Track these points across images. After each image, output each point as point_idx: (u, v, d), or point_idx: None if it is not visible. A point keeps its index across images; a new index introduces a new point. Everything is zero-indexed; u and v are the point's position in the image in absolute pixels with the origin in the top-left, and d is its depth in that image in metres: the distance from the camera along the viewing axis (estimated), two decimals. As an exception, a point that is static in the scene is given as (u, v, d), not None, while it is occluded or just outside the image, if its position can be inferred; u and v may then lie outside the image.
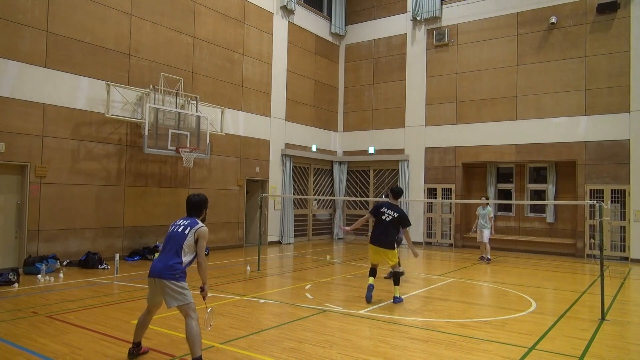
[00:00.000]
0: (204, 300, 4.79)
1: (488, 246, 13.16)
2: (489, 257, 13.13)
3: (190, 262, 4.70)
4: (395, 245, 7.95)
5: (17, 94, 9.87)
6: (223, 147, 14.47)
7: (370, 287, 7.68)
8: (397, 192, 8.05)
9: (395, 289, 7.78)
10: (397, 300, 7.69)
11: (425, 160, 17.45)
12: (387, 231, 7.76)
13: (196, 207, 4.93)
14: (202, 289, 4.74)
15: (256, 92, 15.78)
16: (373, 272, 7.92)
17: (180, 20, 13.25)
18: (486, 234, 13.04)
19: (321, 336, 5.74)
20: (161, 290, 4.57)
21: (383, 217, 7.79)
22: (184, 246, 4.60)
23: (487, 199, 14.93)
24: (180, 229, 4.68)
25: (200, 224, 4.75)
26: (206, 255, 13.87)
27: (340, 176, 19.40)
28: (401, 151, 18.03)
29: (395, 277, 7.86)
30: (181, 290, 4.53)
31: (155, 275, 4.57)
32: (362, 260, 13.35)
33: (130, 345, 4.88)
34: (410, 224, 8.03)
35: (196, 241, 4.64)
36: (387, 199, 8.11)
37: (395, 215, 7.77)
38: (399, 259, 8.60)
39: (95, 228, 11.23)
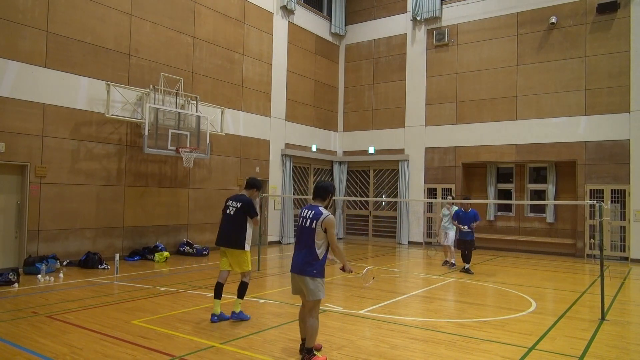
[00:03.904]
0: (350, 273, 5.06)
1: (452, 249, 12.08)
2: (453, 261, 11.98)
3: (327, 252, 4.92)
4: (247, 246, 6.44)
5: (17, 94, 9.87)
6: (223, 147, 14.47)
7: (215, 318, 6.27)
8: (249, 183, 6.73)
9: (236, 303, 6.36)
10: (236, 316, 6.28)
11: (425, 160, 17.45)
12: (232, 225, 6.42)
13: (320, 191, 5.04)
14: (343, 269, 4.99)
15: (256, 92, 15.78)
16: (219, 291, 6.40)
17: (180, 20, 13.25)
18: (452, 236, 11.86)
19: (321, 336, 5.73)
20: (302, 284, 4.84)
21: (227, 212, 6.51)
22: (315, 240, 4.80)
23: (454, 197, 13.94)
24: (307, 223, 4.86)
25: (325, 213, 4.86)
26: (206, 255, 13.78)
27: (340, 176, 19.40)
28: (401, 151, 18.03)
29: (242, 288, 6.45)
30: (316, 286, 4.78)
31: (296, 271, 4.87)
32: (362, 260, 13.36)
33: (300, 343, 5.05)
34: (256, 214, 6.49)
35: (325, 231, 4.81)
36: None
37: (239, 205, 6.45)
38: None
39: (95, 228, 11.23)
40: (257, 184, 6.71)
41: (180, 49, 13.24)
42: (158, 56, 12.62)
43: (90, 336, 5.55)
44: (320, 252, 4.81)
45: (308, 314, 4.83)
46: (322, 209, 4.93)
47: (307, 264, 4.79)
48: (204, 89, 13.81)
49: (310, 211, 4.91)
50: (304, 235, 4.86)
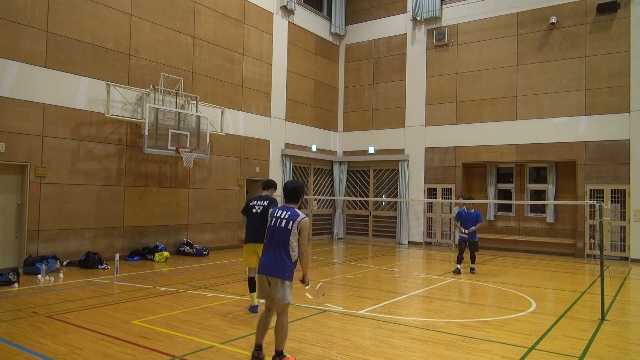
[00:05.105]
0: (307, 286, 4.93)
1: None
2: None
3: (298, 256, 4.77)
4: None
5: (17, 94, 9.87)
6: (223, 147, 14.47)
7: (256, 309, 6.86)
8: (265, 184, 7.32)
9: (253, 297, 6.89)
10: (253, 309, 6.86)
11: (425, 160, 17.45)
12: (260, 223, 6.79)
13: (293, 193, 4.94)
14: (303, 281, 4.82)
15: (256, 92, 15.78)
16: (254, 284, 6.84)
17: (180, 20, 13.25)
18: None
19: (321, 336, 5.73)
20: (273, 287, 4.66)
21: (254, 211, 6.98)
22: (291, 242, 4.65)
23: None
24: (283, 224, 4.70)
25: (301, 215, 4.75)
26: (206, 255, 13.78)
27: (340, 176, 19.40)
28: (401, 151, 18.03)
29: (252, 283, 6.94)
30: (285, 289, 4.63)
31: (267, 272, 4.67)
32: (361, 260, 13.36)
33: (254, 349, 4.78)
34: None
35: (299, 232, 4.69)
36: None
37: (266, 203, 6.95)
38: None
39: (95, 228, 11.23)
40: (274, 184, 7.38)
41: (180, 49, 13.24)
42: (158, 56, 12.62)
43: (90, 336, 5.55)
44: (294, 254, 4.65)
45: (278, 317, 4.66)
46: (297, 210, 4.82)
47: (281, 266, 4.61)
48: (204, 89, 13.81)
49: (285, 212, 4.76)
50: (279, 236, 4.68)
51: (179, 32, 13.22)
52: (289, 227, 4.66)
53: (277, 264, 4.63)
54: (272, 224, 4.76)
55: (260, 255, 6.55)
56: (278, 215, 4.77)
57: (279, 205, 6.57)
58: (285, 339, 4.73)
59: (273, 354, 4.71)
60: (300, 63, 17.75)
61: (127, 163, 11.91)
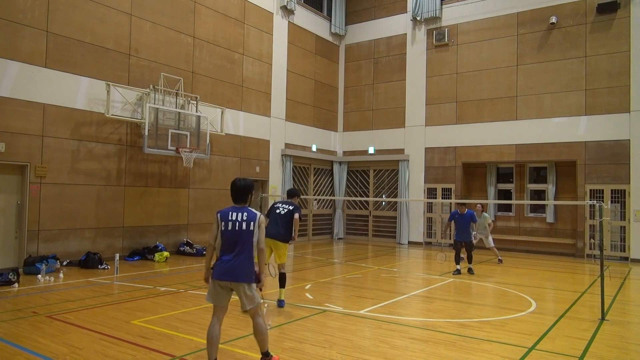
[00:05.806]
0: (261, 290, 4.75)
1: (495, 249, 13.28)
2: (500, 258, 13.23)
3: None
4: (289, 241, 7.54)
5: (17, 94, 9.87)
6: (223, 147, 14.47)
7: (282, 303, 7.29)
8: (290, 192, 7.99)
9: (280, 292, 7.37)
10: (282, 303, 7.31)
11: (425, 160, 17.45)
12: (282, 224, 7.37)
13: (243, 192, 4.66)
14: (259, 279, 4.61)
15: (256, 92, 15.79)
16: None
17: (180, 20, 13.25)
18: (490, 239, 13.05)
19: (321, 336, 5.74)
20: (239, 292, 4.52)
21: (278, 211, 7.48)
22: (253, 243, 4.53)
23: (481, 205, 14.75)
24: (244, 226, 4.51)
25: (257, 212, 4.62)
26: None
27: (340, 176, 19.40)
28: (401, 151, 18.03)
29: (282, 279, 7.47)
30: (253, 291, 4.53)
31: (232, 278, 4.47)
32: (361, 260, 13.36)
33: None
34: (300, 211, 7.67)
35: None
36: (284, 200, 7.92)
37: (291, 207, 7.53)
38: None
39: (95, 228, 11.23)
40: (298, 192, 8.08)
41: (180, 49, 13.24)
42: (158, 56, 12.62)
43: (90, 336, 5.56)
44: (254, 255, 4.56)
45: (254, 320, 4.55)
46: (251, 209, 4.65)
47: (246, 270, 4.48)
48: (204, 89, 13.81)
49: (240, 214, 4.54)
50: (242, 240, 4.49)
51: (179, 32, 13.23)
52: (251, 228, 4.51)
53: (241, 269, 4.47)
54: (230, 228, 4.51)
55: (272, 249, 7.27)
56: (234, 218, 4.53)
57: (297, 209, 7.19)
58: (267, 338, 4.64)
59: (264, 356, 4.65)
60: (300, 63, 17.76)
61: (127, 163, 11.91)
